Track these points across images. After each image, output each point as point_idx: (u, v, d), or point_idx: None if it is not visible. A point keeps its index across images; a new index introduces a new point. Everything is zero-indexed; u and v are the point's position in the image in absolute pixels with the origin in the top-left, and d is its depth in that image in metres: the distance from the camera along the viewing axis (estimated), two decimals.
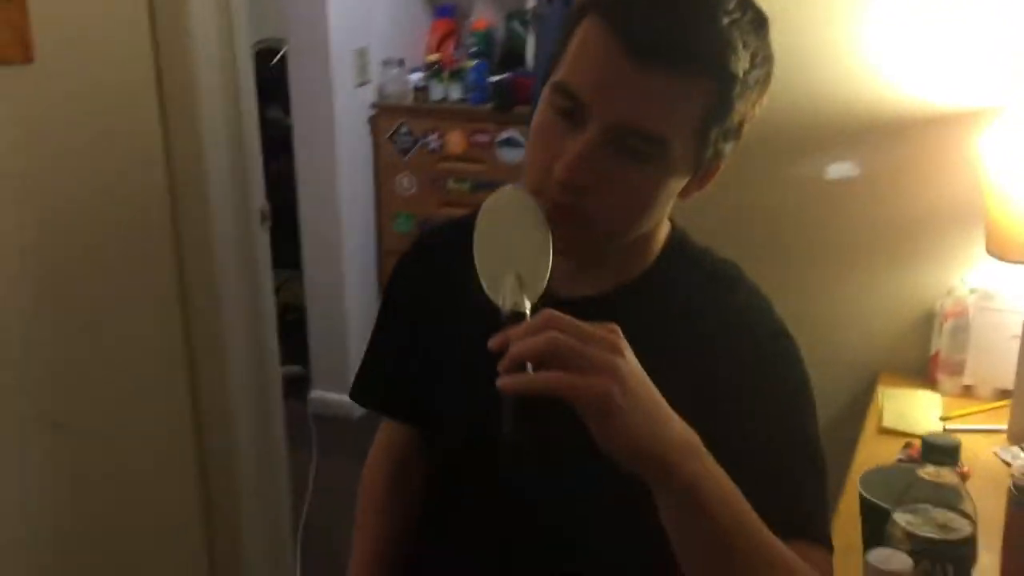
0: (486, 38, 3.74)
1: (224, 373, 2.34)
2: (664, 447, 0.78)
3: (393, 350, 1.19)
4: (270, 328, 2.52)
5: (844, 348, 1.95)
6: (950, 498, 1.02)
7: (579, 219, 0.92)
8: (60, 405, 1.98)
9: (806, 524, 0.94)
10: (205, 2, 2.15)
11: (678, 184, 0.96)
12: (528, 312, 0.82)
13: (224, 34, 2.22)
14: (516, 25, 3.71)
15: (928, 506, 1.03)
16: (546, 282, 0.86)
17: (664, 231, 1.05)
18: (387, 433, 1.27)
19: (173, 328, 2.25)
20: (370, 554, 1.23)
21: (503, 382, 0.75)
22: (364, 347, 1.24)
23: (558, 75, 0.92)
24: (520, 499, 1.05)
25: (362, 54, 3.58)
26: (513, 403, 0.76)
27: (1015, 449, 1.61)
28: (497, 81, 3.50)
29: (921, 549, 1.01)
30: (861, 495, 1.23)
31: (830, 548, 0.94)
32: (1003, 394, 1.74)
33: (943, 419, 1.71)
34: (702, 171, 0.96)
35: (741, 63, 0.89)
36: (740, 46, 0.89)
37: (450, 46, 3.84)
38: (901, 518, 1.03)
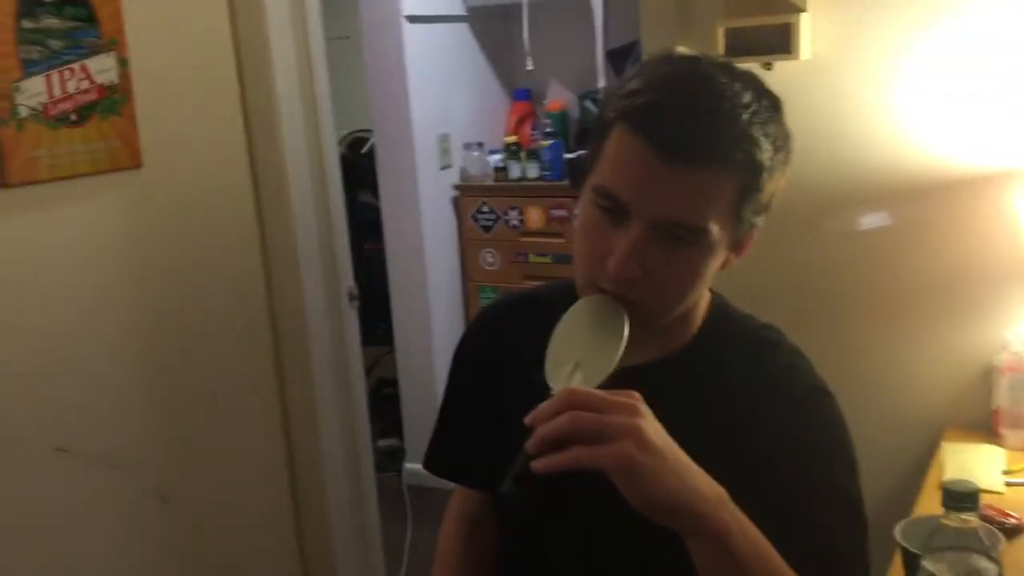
0: (561, 118, 3.88)
1: (317, 446, 2.46)
2: (691, 498, 0.83)
3: (460, 420, 1.25)
4: (360, 401, 2.63)
5: (906, 405, 1.97)
6: (972, 543, 1.06)
7: (630, 306, 0.98)
8: (167, 480, 2.12)
9: (842, 573, 0.99)
10: (293, 100, 2.33)
11: (718, 261, 1.02)
12: None
13: (311, 128, 2.40)
14: (589, 104, 3.84)
15: (958, 551, 1.07)
16: (604, 381, 0.91)
17: (705, 301, 1.12)
18: (460, 498, 1.33)
19: (271, 404, 2.41)
20: None
21: (537, 465, 0.82)
22: None
23: (597, 179, 0.99)
24: (595, 557, 1.11)
25: (444, 139, 3.78)
26: (519, 468, 0.83)
27: None
28: (572, 158, 3.62)
29: None
30: (898, 543, 1.28)
31: None
32: None
33: (1006, 472, 1.72)
34: (739, 244, 1.03)
35: (765, 152, 0.96)
36: (762, 137, 0.95)
37: (527, 127, 3.99)
38: (928, 564, 1.08)
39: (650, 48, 2.08)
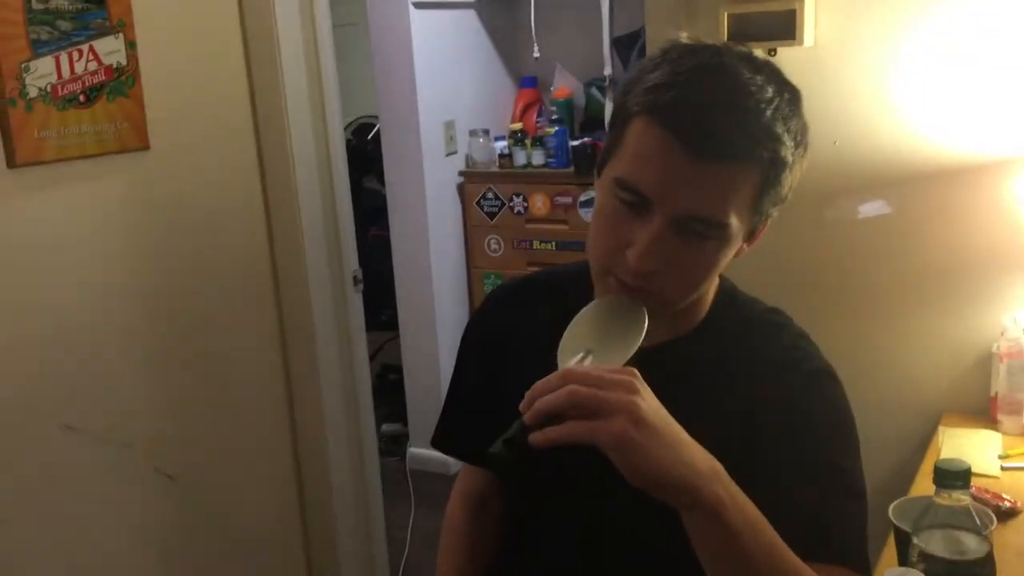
0: (567, 105, 3.88)
1: (322, 430, 2.48)
2: (685, 472, 0.84)
3: (468, 400, 1.27)
4: (364, 385, 2.65)
5: (905, 391, 1.99)
6: (964, 521, 1.07)
7: (647, 296, 1.00)
8: (174, 459, 2.15)
9: (841, 549, 1.01)
10: (300, 85, 2.35)
11: (734, 251, 1.03)
12: None
13: (318, 114, 2.41)
14: (594, 91, 3.84)
15: (947, 529, 1.09)
16: None
17: (713, 286, 1.13)
18: (466, 477, 1.35)
19: (277, 387, 2.43)
20: None
21: (534, 438, 0.83)
22: None
23: (618, 171, 0.98)
24: (595, 531, 1.13)
25: (450, 126, 3.79)
26: (510, 434, 0.85)
27: None
28: (577, 145, 3.63)
29: (936, 569, 1.06)
30: (891, 522, 1.29)
31: (866, 572, 1.01)
32: None
33: (1001, 457, 1.74)
34: (753, 234, 1.05)
35: (787, 148, 0.97)
36: (784, 133, 0.96)
37: (533, 114, 4.00)
38: (919, 541, 1.09)
39: (654, 34, 2.09)
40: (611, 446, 0.82)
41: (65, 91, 1.84)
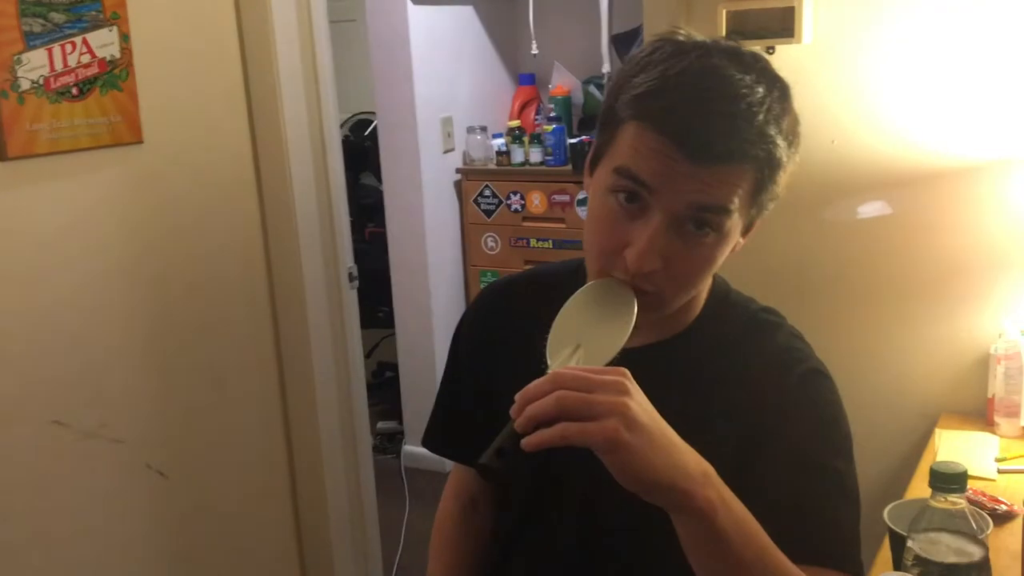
0: (565, 103, 3.87)
1: (316, 428, 2.47)
2: (676, 475, 0.83)
3: (458, 399, 1.27)
4: (359, 382, 2.64)
5: (902, 392, 1.98)
6: (960, 524, 1.06)
7: (645, 295, 0.98)
8: (166, 456, 2.14)
9: (833, 551, 0.99)
10: (296, 81, 2.34)
11: (731, 247, 1.02)
12: None
13: (313, 109, 2.40)
14: (593, 89, 3.83)
15: (943, 533, 1.08)
16: (608, 363, 0.90)
17: (707, 284, 1.12)
18: (456, 476, 1.34)
19: (271, 383, 2.42)
20: None
21: (525, 443, 0.82)
22: None
23: (617, 161, 0.97)
24: (586, 533, 1.12)
25: (447, 123, 3.77)
26: (501, 442, 0.83)
27: None
28: (575, 143, 3.62)
29: (931, 573, 1.05)
30: (887, 525, 1.28)
31: (857, 574, 1.00)
32: None
33: (998, 460, 1.73)
34: (749, 228, 1.04)
35: (780, 148, 0.96)
36: (777, 134, 0.96)
37: (531, 112, 3.99)
38: (914, 544, 1.08)
39: (652, 31, 2.08)
40: (602, 448, 0.81)
41: (58, 84, 1.83)
